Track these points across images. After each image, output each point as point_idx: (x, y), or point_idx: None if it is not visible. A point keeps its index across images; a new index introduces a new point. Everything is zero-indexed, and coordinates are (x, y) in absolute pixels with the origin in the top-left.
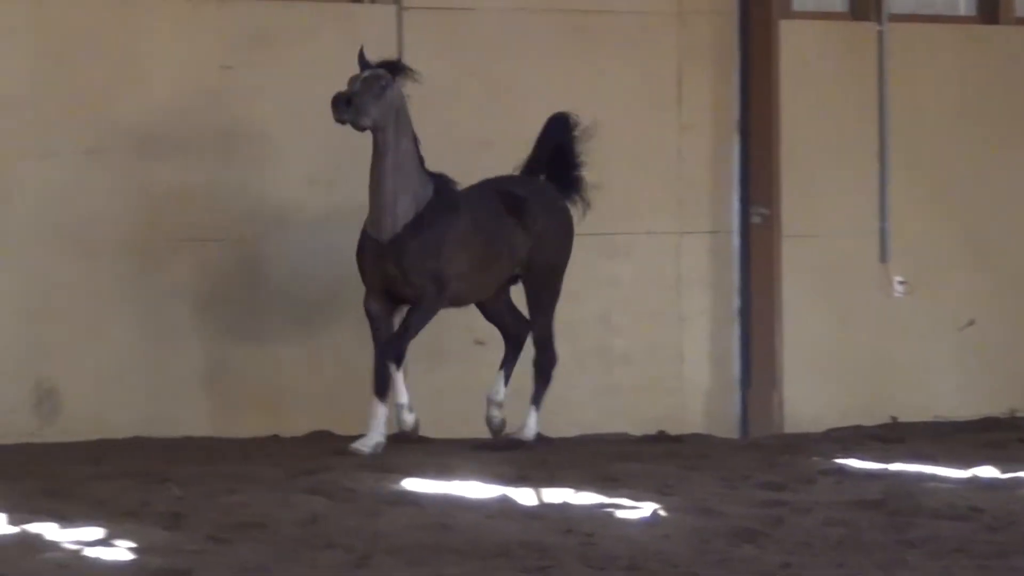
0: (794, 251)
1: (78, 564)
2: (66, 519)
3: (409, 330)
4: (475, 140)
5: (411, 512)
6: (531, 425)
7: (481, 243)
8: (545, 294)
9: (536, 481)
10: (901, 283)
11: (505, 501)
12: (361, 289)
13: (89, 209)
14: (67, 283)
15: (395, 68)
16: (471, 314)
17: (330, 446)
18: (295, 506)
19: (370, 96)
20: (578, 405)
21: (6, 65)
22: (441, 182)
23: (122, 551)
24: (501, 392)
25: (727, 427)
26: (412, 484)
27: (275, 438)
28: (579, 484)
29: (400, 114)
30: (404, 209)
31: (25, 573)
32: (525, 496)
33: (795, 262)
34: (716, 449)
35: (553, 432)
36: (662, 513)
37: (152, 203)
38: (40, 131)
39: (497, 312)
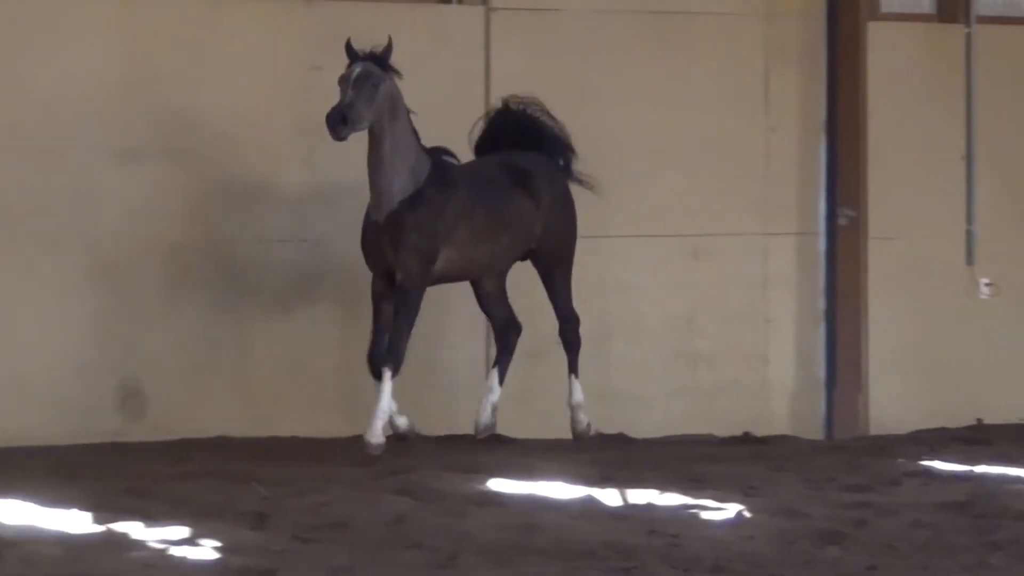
0: (880, 253)
1: (163, 563)
2: (151, 518)
3: (402, 335)
4: None
5: (496, 513)
6: (578, 398)
7: (486, 213)
8: (560, 270)
9: (621, 482)
10: (987, 285)
11: (590, 502)
12: (448, 289)
13: (174, 209)
14: (151, 283)
15: (383, 61)
16: (551, 316)
17: (416, 446)
18: (380, 506)
19: (363, 101)
20: (663, 406)
21: (93, 65)
22: (439, 156)
23: (207, 550)
24: (495, 392)
25: (812, 429)
26: (497, 485)
27: (359, 438)
28: (664, 485)
29: (394, 100)
30: (402, 187)
31: (111, 572)
32: (610, 497)
33: (881, 264)
34: (801, 451)
35: (638, 433)
36: (747, 514)
37: (236, 203)
38: (126, 132)
39: (493, 300)
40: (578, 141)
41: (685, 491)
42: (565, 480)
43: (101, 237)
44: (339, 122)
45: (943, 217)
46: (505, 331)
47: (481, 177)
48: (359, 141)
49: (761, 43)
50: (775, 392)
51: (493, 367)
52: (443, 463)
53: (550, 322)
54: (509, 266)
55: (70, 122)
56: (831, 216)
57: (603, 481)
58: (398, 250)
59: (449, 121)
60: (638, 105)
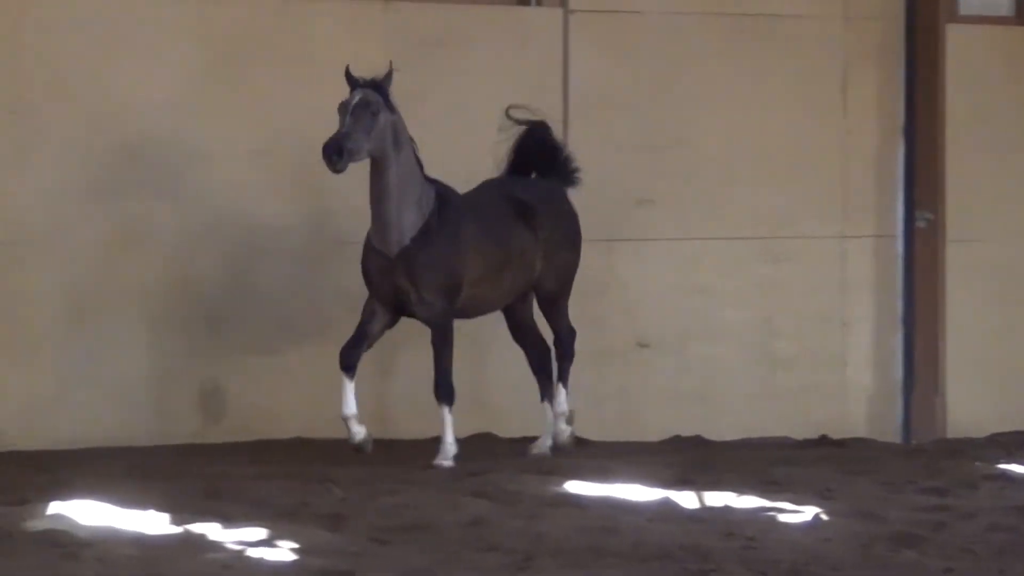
0: (958, 255)
1: (241, 564)
2: (229, 519)
3: (444, 368)
4: (638, 144)
5: (573, 515)
6: (562, 408)
7: (492, 247)
8: (560, 297)
9: (698, 484)
10: None
11: (667, 504)
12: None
13: (255, 211)
14: (231, 285)
15: (382, 87)
16: (634, 316)
17: (492, 448)
18: (458, 508)
19: (361, 131)
20: (740, 408)
21: (174, 68)
22: (442, 188)
23: (284, 552)
24: (562, 402)
25: (889, 431)
26: (574, 487)
27: (437, 440)
28: (741, 488)
29: (397, 128)
30: (411, 220)
31: (188, 573)
32: (687, 499)
33: (959, 267)
34: (878, 454)
35: (715, 435)
36: (824, 517)
37: (317, 205)
38: (207, 134)
39: (520, 327)
40: (657, 143)
41: (762, 494)
42: (642, 482)
43: (182, 238)
44: (335, 153)
45: (1022, 220)
46: (541, 363)
47: (486, 209)
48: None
49: (839, 45)
50: (853, 395)
51: (543, 402)
52: (520, 465)
53: (619, 323)
54: (508, 300)
55: (149, 124)
56: (909, 219)
57: (680, 483)
58: (420, 289)
59: None
60: (716, 107)
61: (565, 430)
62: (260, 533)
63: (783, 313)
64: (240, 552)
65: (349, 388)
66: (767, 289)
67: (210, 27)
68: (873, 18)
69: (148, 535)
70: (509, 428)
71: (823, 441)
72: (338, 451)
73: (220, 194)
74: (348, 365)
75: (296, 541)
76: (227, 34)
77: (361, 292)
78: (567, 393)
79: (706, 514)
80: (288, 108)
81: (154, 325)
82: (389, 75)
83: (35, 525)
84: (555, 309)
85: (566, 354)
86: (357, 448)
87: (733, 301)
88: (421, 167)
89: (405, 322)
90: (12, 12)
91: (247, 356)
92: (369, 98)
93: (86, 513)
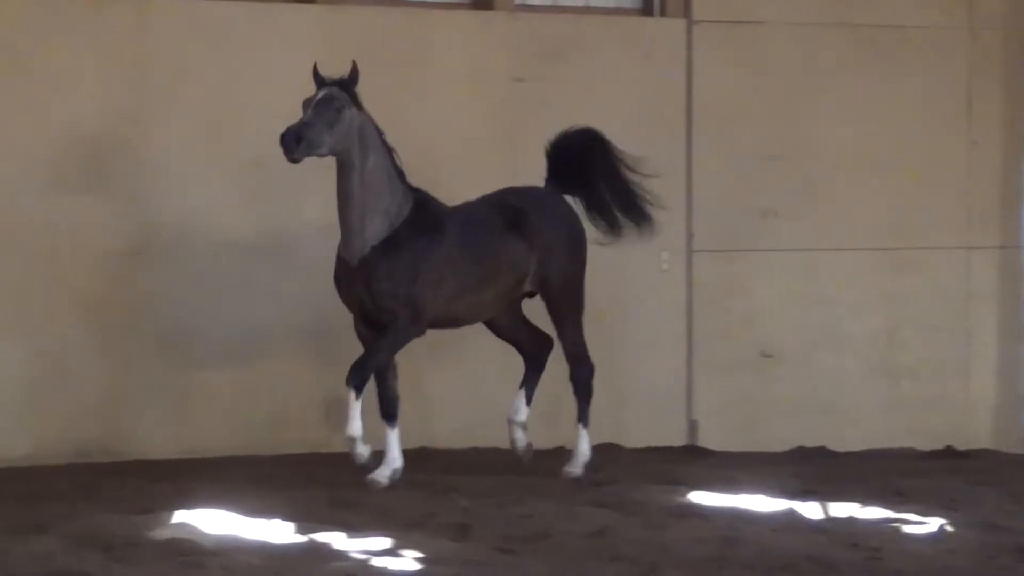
0: None
1: (365, 574)
2: (353, 529)
3: (373, 355)
4: (761, 154)
5: (697, 525)
6: (583, 449)
7: (471, 261)
8: (566, 308)
9: (822, 495)
10: None
11: (791, 515)
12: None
13: None
14: None
15: (348, 85)
16: (758, 326)
17: (617, 458)
18: (582, 518)
19: (323, 124)
20: (864, 419)
21: (294, 78)
22: (423, 198)
23: (409, 561)
24: (522, 412)
25: (1014, 443)
26: (698, 497)
27: (561, 450)
28: (865, 499)
29: (364, 130)
30: (375, 229)
31: None
32: (811, 510)
33: None
34: (1003, 465)
35: (839, 446)
36: (948, 529)
37: None
38: None
39: (509, 329)
40: (781, 154)
41: (887, 505)
42: (766, 493)
43: (305, 247)
44: (293, 141)
45: None
46: (534, 355)
47: (469, 219)
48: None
49: (964, 56)
50: (977, 406)
51: (520, 387)
52: (644, 475)
53: (742, 334)
54: (496, 312)
55: (274, 137)
56: None
57: (805, 494)
58: (376, 299)
59: (650, 134)
60: (840, 118)
61: (575, 471)
62: (385, 542)
63: (907, 324)
64: (365, 561)
65: (355, 409)
66: (891, 300)
67: (332, 36)
68: (998, 29)
69: (273, 544)
70: (634, 439)
71: (948, 452)
72: (462, 461)
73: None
74: (388, 415)
75: (421, 551)
76: (350, 43)
77: None
78: (586, 434)
79: (830, 525)
80: (411, 117)
81: (287, 334)
82: (355, 74)
83: (160, 534)
84: (563, 327)
85: (581, 391)
86: (364, 467)
87: (857, 312)
88: (401, 176)
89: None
90: (133, 25)
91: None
92: (334, 94)
93: (211, 522)
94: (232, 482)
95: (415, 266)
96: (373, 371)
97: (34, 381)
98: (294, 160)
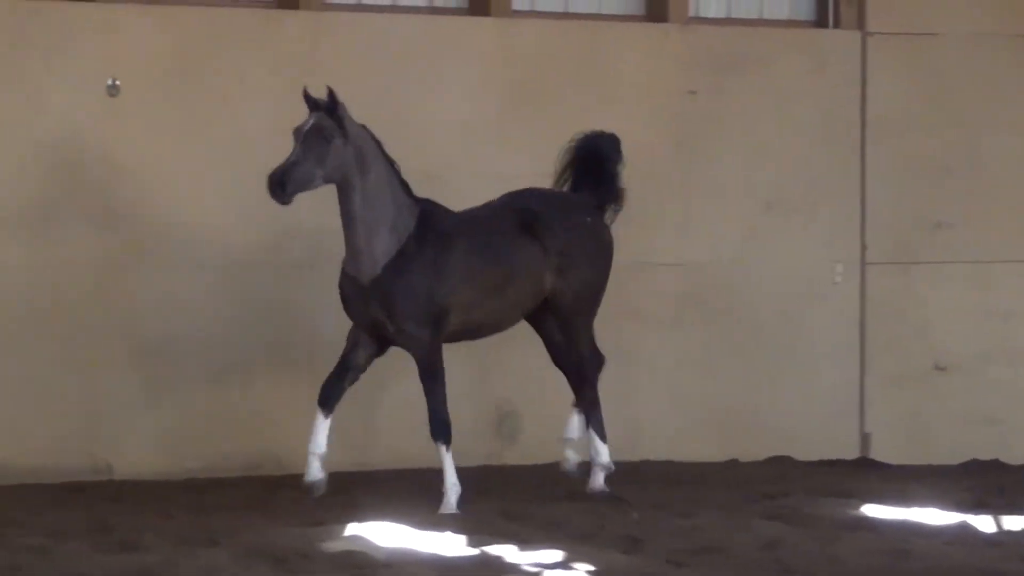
0: None
1: None
2: (525, 541)
3: (437, 404)
4: (936, 166)
5: (869, 538)
6: (603, 454)
7: (486, 266)
8: (581, 315)
9: (995, 508)
10: None
11: (964, 528)
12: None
13: None
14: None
15: (337, 111)
16: (931, 339)
17: (789, 471)
18: (753, 531)
19: (311, 160)
20: None
21: (474, 92)
22: (428, 208)
23: (580, 574)
24: (575, 430)
25: None
26: (870, 510)
27: (733, 462)
28: None
29: (361, 151)
30: (384, 246)
31: None
32: (984, 523)
33: None
34: None
35: (1013, 459)
36: None
37: (616, 227)
38: (505, 157)
39: (556, 349)
40: (955, 165)
41: None
42: (939, 506)
43: None
44: (278, 187)
45: None
46: (579, 378)
47: (478, 226)
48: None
49: None
50: None
51: (588, 427)
52: (816, 488)
53: (915, 346)
54: (517, 320)
55: (448, 148)
56: None
57: (977, 507)
58: (396, 320)
59: (824, 146)
60: (1016, 128)
61: (599, 482)
62: (556, 555)
63: None
64: (536, 574)
65: (322, 425)
66: None
67: (512, 50)
68: None
69: (445, 557)
70: (805, 451)
71: None
72: (633, 473)
73: None
74: (325, 401)
75: (592, 563)
76: (525, 56)
77: (644, 313)
78: (602, 440)
79: (1004, 538)
80: (585, 128)
81: (460, 345)
82: (333, 100)
83: (332, 547)
84: (570, 330)
85: (584, 390)
86: (308, 488)
87: None
88: (405, 188)
89: None
90: (303, 38)
91: (542, 377)
92: (322, 123)
93: (383, 535)
94: (405, 494)
95: (430, 281)
96: (447, 412)
97: (213, 393)
98: (284, 203)
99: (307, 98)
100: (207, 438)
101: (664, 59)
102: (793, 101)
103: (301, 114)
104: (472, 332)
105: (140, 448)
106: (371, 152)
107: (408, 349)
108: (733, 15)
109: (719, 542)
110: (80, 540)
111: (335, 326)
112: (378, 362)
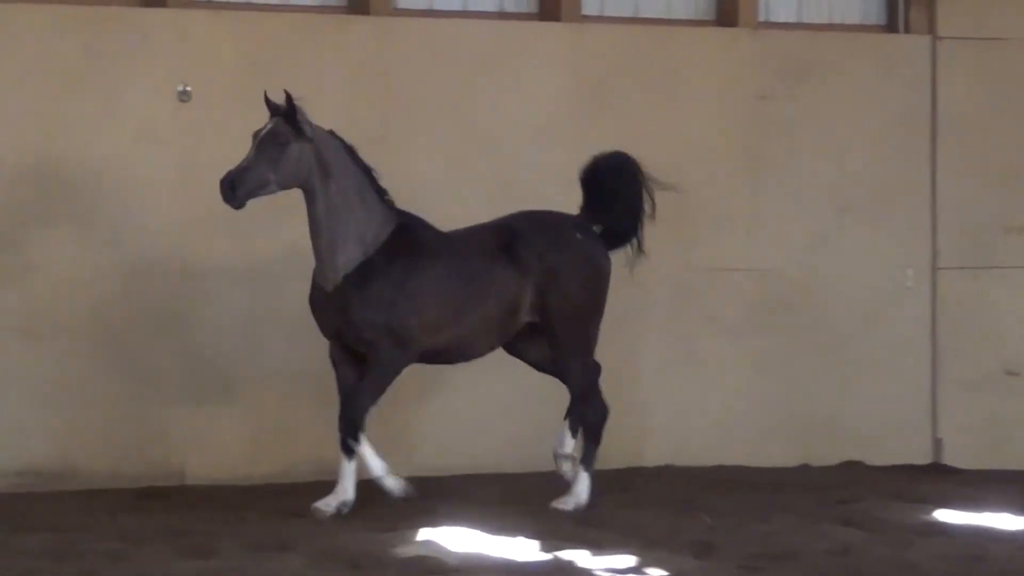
0: None
1: None
2: (598, 546)
3: (359, 404)
4: (1007, 171)
5: (942, 543)
6: (580, 491)
7: (453, 285)
8: (570, 340)
9: None
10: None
11: None
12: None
13: None
14: (609, 312)
15: (290, 115)
16: (1003, 344)
17: (861, 476)
18: (826, 536)
19: (264, 164)
20: None
21: (545, 94)
22: (407, 221)
23: None
24: (568, 445)
25: None
26: (943, 515)
27: (806, 467)
28: None
29: (322, 156)
30: (348, 256)
31: None
32: None
33: None
34: None
35: None
36: None
37: (688, 233)
38: (577, 161)
39: (546, 362)
40: (1020, 174)
41: None
42: (1012, 511)
43: None
44: (228, 189)
45: None
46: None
47: (453, 244)
48: (810, 173)
49: None
50: None
51: (564, 419)
52: (889, 493)
53: (987, 351)
54: (493, 345)
55: (519, 151)
56: None
57: None
58: (353, 328)
59: (894, 152)
60: None
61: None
62: (629, 560)
63: None
64: None
65: (366, 452)
66: None
67: (582, 53)
68: None
69: (518, 562)
70: (877, 456)
71: None
72: (706, 478)
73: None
74: (354, 434)
75: (665, 569)
76: (596, 60)
77: (721, 319)
78: (588, 477)
79: None
80: (656, 134)
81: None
82: (291, 105)
83: (405, 551)
84: (567, 363)
85: (586, 431)
86: (406, 499)
87: None
88: (380, 196)
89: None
90: (372, 45)
91: (620, 382)
92: (278, 128)
93: (456, 540)
94: (481, 500)
95: (392, 293)
96: (363, 418)
97: (286, 399)
98: (236, 207)
99: (267, 102)
100: (281, 443)
101: (734, 64)
102: (863, 106)
103: (373, 119)
104: (440, 355)
105: (214, 453)
106: (336, 159)
107: (368, 356)
108: (803, 20)
109: (792, 547)
110: (155, 545)
111: None
112: (447, 369)
